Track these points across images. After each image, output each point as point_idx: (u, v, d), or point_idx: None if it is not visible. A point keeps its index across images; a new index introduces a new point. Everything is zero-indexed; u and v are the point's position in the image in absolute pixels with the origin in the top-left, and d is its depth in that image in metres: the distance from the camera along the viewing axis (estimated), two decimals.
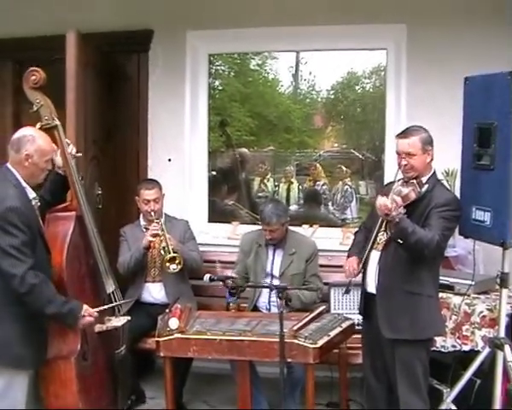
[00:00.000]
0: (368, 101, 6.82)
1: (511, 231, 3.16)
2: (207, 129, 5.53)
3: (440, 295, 3.73)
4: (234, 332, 3.62)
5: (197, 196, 5.46)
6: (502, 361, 3.32)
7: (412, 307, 3.40)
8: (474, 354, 3.65)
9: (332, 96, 6.83)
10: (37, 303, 3.09)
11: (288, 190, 6.53)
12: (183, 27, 5.17)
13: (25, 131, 3.26)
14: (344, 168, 6.47)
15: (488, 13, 4.63)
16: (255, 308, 4.40)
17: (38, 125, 3.44)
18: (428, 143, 3.42)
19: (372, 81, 6.66)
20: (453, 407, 3.52)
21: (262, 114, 6.94)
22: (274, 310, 4.18)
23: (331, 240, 5.09)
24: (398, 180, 3.46)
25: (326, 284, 4.49)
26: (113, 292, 3.81)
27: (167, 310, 3.85)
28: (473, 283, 3.72)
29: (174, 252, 4.31)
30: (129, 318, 3.83)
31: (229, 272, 4.48)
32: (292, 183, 6.57)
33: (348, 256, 3.71)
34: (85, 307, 3.32)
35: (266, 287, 4.24)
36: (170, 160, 5.30)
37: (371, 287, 3.54)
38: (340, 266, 3.79)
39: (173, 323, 3.65)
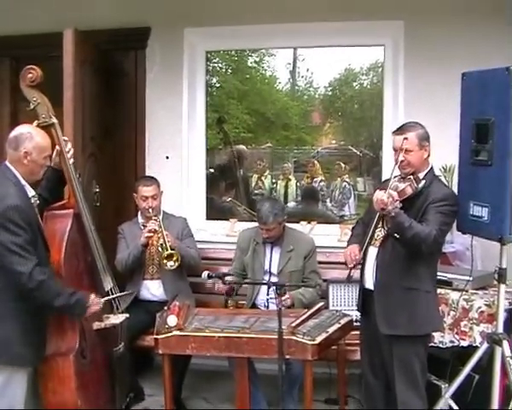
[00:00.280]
0: (365, 97, 6.81)
1: (509, 227, 3.16)
2: (205, 126, 5.54)
3: (438, 290, 3.73)
4: (232, 329, 3.61)
5: (195, 194, 5.46)
6: (500, 357, 3.33)
7: (410, 302, 3.40)
8: (472, 349, 3.66)
9: (330, 93, 6.83)
10: (45, 297, 3.13)
11: (286, 187, 6.53)
12: (180, 24, 5.17)
13: (22, 129, 3.26)
14: (342, 165, 6.48)
15: (486, 10, 4.63)
16: (253, 306, 4.39)
17: (35, 123, 3.43)
18: (425, 139, 3.42)
19: (370, 78, 6.66)
20: (451, 402, 3.53)
21: (260, 111, 6.93)
22: (272, 307, 4.18)
23: (329, 237, 5.10)
24: (395, 177, 3.46)
25: (324, 280, 4.49)
26: (111, 289, 3.80)
27: (166, 307, 3.84)
28: (471, 278, 3.73)
29: (172, 249, 4.31)
30: (127, 315, 3.83)
31: (226, 270, 4.50)
32: (290, 180, 6.57)
33: (347, 245, 3.71)
34: (92, 296, 3.40)
35: (264, 284, 4.24)
36: (168, 157, 5.30)
37: (369, 283, 3.54)
38: (339, 263, 3.80)
39: (172, 320, 3.64)
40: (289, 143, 7.03)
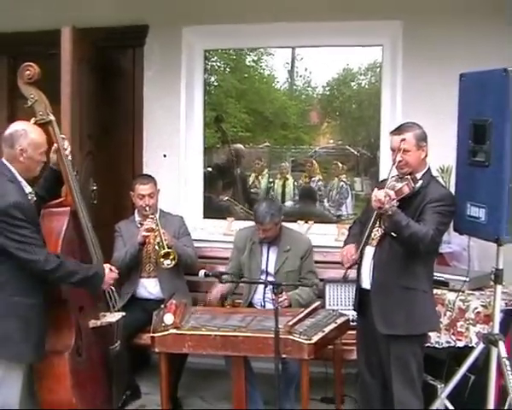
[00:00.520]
0: (363, 97, 6.83)
1: (506, 228, 3.16)
2: (203, 125, 5.54)
3: (435, 291, 3.74)
4: (229, 328, 3.61)
5: (192, 192, 5.46)
6: (496, 357, 3.33)
7: (407, 302, 3.40)
8: (468, 350, 3.66)
9: (328, 93, 6.84)
10: (64, 276, 3.23)
11: (284, 186, 6.54)
12: (178, 23, 5.16)
13: (16, 126, 3.26)
14: (340, 164, 6.48)
15: (485, 10, 4.63)
16: (250, 305, 4.38)
17: (33, 121, 3.43)
18: (422, 139, 3.43)
19: (368, 78, 6.67)
20: (447, 402, 3.54)
21: (258, 110, 6.94)
22: (269, 307, 4.18)
23: (326, 236, 5.10)
24: (393, 176, 3.46)
25: (321, 280, 4.49)
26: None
27: (162, 306, 3.85)
28: (467, 279, 3.73)
29: (168, 247, 4.32)
30: (123, 314, 3.83)
31: (223, 269, 4.50)
32: (287, 179, 6.57)
33: (344, 247, 3.72)
34: (107, 265, 3.58)
35: (261, 283, 4.25)
36: (165, 155, 5.29)
37: (366, 283, 3.54)
38: (336, 263, 3.80)
39: (168, 318, 3.64)
40: (287, 143, 7.04)
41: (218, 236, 5.29)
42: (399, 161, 3.40)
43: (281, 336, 3.26)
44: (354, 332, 3.83)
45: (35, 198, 3.32)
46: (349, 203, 6.34)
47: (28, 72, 3.46)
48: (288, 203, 6.42)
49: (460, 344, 3.87)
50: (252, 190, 6.49)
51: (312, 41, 5.27)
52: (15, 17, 5.26)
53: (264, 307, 4.30)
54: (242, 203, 6.12)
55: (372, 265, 3.48)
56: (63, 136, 3.66)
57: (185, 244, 4.61)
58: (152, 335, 3.63)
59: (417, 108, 4.66)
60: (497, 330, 3.39)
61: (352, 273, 3.65)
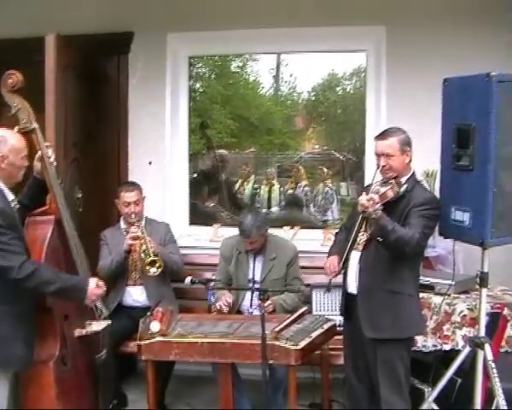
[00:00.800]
0: (349, 102, 6.83)
1: (490, 232, 3.17)
2: (188, 131, 5.54)
3: (421, 295, 3.75)
4: (216, 335, 3.61)
5: (178, 199, 5.45)
6: (482, 360, 3.34)
7: (393, 306, 3.41)
8: (454, 353, 3.67)
9: (313, 98, 6.83)
10: (39, 285, 3.14)
11: (270, 192, 6.53)
12: (163, 30, 5.17)
13: None
14: (325, 170, 6.49)
15: (469, 15, 4.68)
16: (237, 312, 4.37)
17: (16, 129, 3.40)
18: (407, 143, 3.45)
19: (353, 83, 6.67)
20: (434, 406, 3.54)
21: (243, 115, 6.93)
22: (256, 314, 4.17)
23: (312, 242, 5.11)
24: (377, 181, 3.48)
25: (307, 285, 4.50)
26: None
27: (149, 313, 3.83)
28: (453, 283, 3.75)
29: (154, 255, 4.30)
30: (109, 322, 3.79)
31: (209, 275, 4.49)
32: (273, 185, 6.57)
33: (329, 255, 3.73)
34: (94, 279, 3.43)
35: (247, 289, 4.25)
36: (150, 162, 5.29)
37: (352, 287, 3.55)
38: (322, 268, 3.79)
39: (155, 326, 3.63)
40: (273, 148, 7.03)
41: (204, 242, 5.28)
42: (384, 166, 3.42)
43: (268, 342, 3.26)
44: (341, 337, 3.83)
45: (18, 206, 3.29)
46: (335, 208, 6.35)
47: (11, 80, 3.43)
48: (274, 209, 6.42)
49: (446, 348, 3.89)
50: (238, 196, 6.48)
51: (297, 47, 5.30)
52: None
53: (251, 314, 4.30)
54: (228, 209, 6.11)
55: (358, 269, 3.49)
56: (47, 143, 3.63)
57: (171, 251, 4.60)
58: (138, 343, 3.62)
59: (402, 112, 4.69)
60: (483, 333, 3.40)
61: (337, 278, 3.66)
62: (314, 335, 3.61)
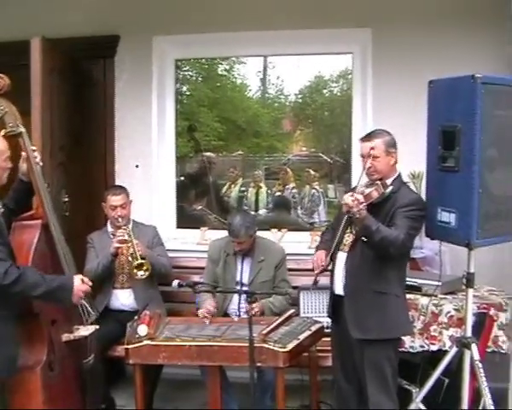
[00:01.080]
0: (336, 104, 6.85)
1: (476, 232, 3.19)
2: (175, 134, 5.54)
3: (408, 296, 3.77)
4: (203, 338, 3.61)
5: (165, 202, 5.45)
6: (469, 360, 3.36)
7: (380, 306, 3.43)
8: (442, 353, 3.69)
9: (300, 100, 6.84)
10: (25, 289, 3.09)
11: (257, 195, 6.53)
12: (149, 32, 5.16)
13: None
14: (311, 172, 6.50)
15: (454, 17, 4.70)
16: (225, 315, 4.37)
17: (3, 133, 3.38)
18: (392, 145, 3.47)
19: (340, 85, 6.69)
20: (422, 406, 3.55)
21: (230, 118, 6.92)
22: (244, 316, 4.17)
23: (300, 244, 5.12)
24: (363, 183, 3.50)
25: (295, 287, 4.50)
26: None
27: (136, 317, 3.82)
28: (440, 283, 3.78)
29: (142, 258, 4.29)
30: (97, 327, 3.77)
31: (197, 278, 4.48)
32: (260, 187, 6.57)
33: (316, 252, 3.73)
34: (78, 276, 3.39)
35: (235, 292, 4.24)
36: (137, 166, 5.28)
37: (339, 289, 3.57)
38: (309, 270, 3.80)
39: (142, 330, 3.62)
40: (260, 151, 7.03)
41: (191, 245, 5.27)
42: (369, 168, 3.44)
43: (255, 345, 3.27)
44: (329, 339, 3.84)
45: (2, 210, 3.27)
46: (321, 211, 6.36)
47: None
48: (262, 212, 6.42)
49: (434, 348, 3.92)
50: (226, 199, 6.48)
51: (284, 49, 5.32)
52: None
53: (239, 316, 4.29)
54: (216, 212, 6.11)
55: (344, 270, 3.50)
56: (34, 147, 3.62)
57: (159, 254, 4.60)
58: (126, 347, 3.61)
59: (388, 114, 4.71)
60: (469, 333, 3.42)
61: (324, 280, 3.67)
62: (302, 337, 3.62)
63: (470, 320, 3.44)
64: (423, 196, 3.61)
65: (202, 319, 3.98)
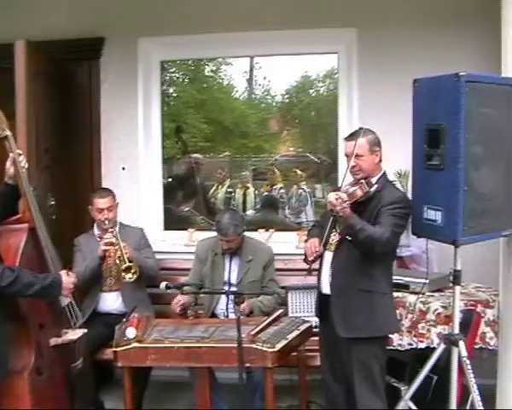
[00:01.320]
0: (322, 104, 6.86)
1: (462, 230, 3.21)
2: (161, 136, 5.53)
3: (396, 294, 3.79)
4: (192, 339, 3.60)
5: (152, 204, 5.44)
6: (457, 357, 3.37)
7: (366, 304, 3.44)
8: (430, 351, 3.70)
9: (287, 101, 6.85)
10: (21, 289, 3.14)
11: (245, 196, 6.53)
12: (134, 34, 5.15)
13: None
14: (298, 172, 6.51)
15: (440, 16, 4.72)
16: (213, 316, 4.37)
17: None
18: (376, 144, 3.48)
19: (326, 85, 6.70)
20: (411, 404, 3.56)
21: (217, 119, 6.92)
22: (232, 317, 4.17)
23: (287, 244, 5.12)
24: (348, 182, 3.51)
25: (283, 287, 4.50)
26: (68, 305, 3.73)
27: (124, 320, 3.81)
28: (427, 281, 3.78)
29: (129, 261, 4.28)
30: (85, 330, 3.76)
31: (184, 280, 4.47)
32: (248, 188, 6.57)
33: (307, 240, 3.68)
34: (63, 271, 3.47)
35: (222, 293, 4.23)
36: (124, 168, 5.26)
37: (326, 288, 3.57)
38: (297, 270, 3.81)
39: (130, 332, 3.61)
40: (247, 152, 7.03)
41: (179, 247, 5.26)
42: (353, 166, 3.45)
43: (244, 346, 3.27)
44: (317, 338, 3.84)
45: None
46: (309, 210, 6.37)
47: None
48: (250, 212, 6.42)
49: (422, 345, 3.94)
50: (213, 200, 6.48)
51: (270, 50, 5.32)
52: None
53: (227, 317, 4.29)
54: (204, 214, 6.10)
55: (331, 269, 3.51)
56: (19, 151, 3.60)
57: (146, 256, 4.59)
58: (114, 349, 3.59)
59: (374, 114, 4.73)
60: (457, 330, 3.43)
61: (312, 280, 3.67)
62: (290, 337, 3.62)
63: (458, 317, 3.46)
64: (409, 195, 3.62)
65: (176, 312, 4.06)
